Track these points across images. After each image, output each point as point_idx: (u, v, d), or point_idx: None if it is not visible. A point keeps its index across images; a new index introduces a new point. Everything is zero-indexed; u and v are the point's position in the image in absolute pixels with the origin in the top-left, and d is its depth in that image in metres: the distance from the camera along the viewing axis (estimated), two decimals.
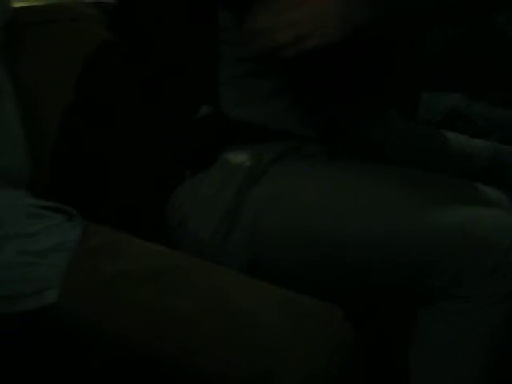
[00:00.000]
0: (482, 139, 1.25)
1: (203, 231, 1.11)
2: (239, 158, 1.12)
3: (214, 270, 1.00)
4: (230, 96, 1.15)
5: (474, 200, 1.07)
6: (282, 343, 0.87)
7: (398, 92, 1.30)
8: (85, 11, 1.49)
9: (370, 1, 0.97)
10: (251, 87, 1.15)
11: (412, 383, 1.06)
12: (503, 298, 0.99)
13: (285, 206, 1.10)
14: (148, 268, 0.95)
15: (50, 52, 1.36)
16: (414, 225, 1.02)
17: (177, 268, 0.95)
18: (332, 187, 1.08)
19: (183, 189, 1.14)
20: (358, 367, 1.02)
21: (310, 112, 1.17)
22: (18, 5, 1.36)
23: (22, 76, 1.24)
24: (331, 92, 1.16)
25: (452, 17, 1.06)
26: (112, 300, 0.90)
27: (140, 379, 0.90)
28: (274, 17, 0.96)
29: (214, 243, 1.10)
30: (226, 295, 0.93)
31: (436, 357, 1.04)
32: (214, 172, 1.13)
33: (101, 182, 1.22)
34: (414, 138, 1.21)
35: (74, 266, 0.95)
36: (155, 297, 0.91)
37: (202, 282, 0.94)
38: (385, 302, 1.10)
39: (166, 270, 0.95)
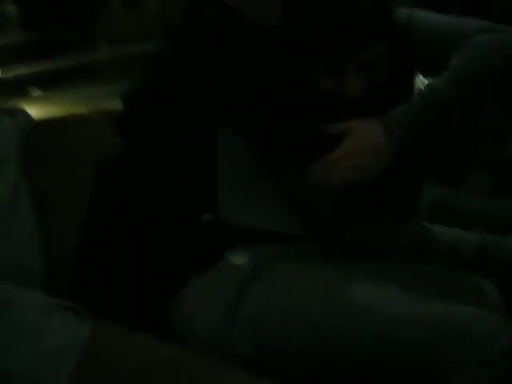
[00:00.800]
0: (469, 230, 1.31)
1: (208, 328, 1.17)
2: (240, 258, 1.21)
3: (216, 367, 1.06)
4: (229, 204, 1.24)
5: (460, 294, 1.14)
6: None
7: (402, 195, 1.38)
8: (98, 121, 1.59)
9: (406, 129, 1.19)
10: (248, 194, 1.25)
11: None
12: None
13: (284, 302, 1.17)
14: (154, 365, 1.01)
15: (66, 159, 1.45)
16: (401, 321, 1.09)
17: (182, 364, 1.01)
18: (327, 286, 1.17)
19: (188, 288, 1.21)
20: None
21: (310, 216, 1.28)
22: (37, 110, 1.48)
23: (40, 180, 1.34)
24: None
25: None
26: None
27: None
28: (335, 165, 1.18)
29: (218, 338, 1.16)
30: None
31: None
32: (217, 271, 1.20)
33: (111, 282, 1.29)
34: (404, 235, 1.28)
35: (82, 363, 1.00)
36: None
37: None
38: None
39: (171, 366, 1.00)
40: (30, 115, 1.45)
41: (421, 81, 1.78)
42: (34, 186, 1.33)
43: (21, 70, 3.41)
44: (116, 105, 1.82)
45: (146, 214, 1.31)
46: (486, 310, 1.10)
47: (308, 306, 1.15)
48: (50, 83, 2.83)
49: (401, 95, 1.30)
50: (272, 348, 1.16)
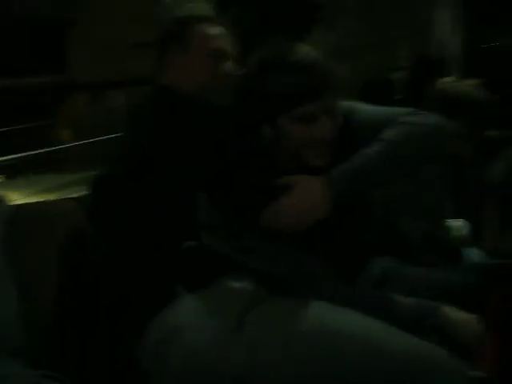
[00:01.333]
0: (410, 297, 1.42)
1: (200, 341, 1.27)
2: (239, 285, 1.35)
3: None
4: (209, 237, 1.40)
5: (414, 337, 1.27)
6: None
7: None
8: (69, 207, 1.68)
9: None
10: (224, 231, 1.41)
11: None
12: None
13: (278, 332, 1.28)
14: None
15: (43, 243, 1.53)
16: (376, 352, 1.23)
17: None
18: (310, 321, 1.29)
19: (175, 306, 1.34)
20: None
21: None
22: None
23: (19, 261, 1.43)
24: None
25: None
26: None
27: None
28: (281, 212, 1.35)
29: (209, 353, 1.26)
30: None
31: None
32: (213, 293, 1.34)
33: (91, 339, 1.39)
34: (355, 300, 1.41)
35: None
36: None
37: None
38: None
39: None
40: (6, 202, 1.56)
41: None
42: (14, 266, 1.42)
43: None
44: (79, 192, 1.95)
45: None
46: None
47: (294, 340, 1.26)
48: (14, 171, 2.94)
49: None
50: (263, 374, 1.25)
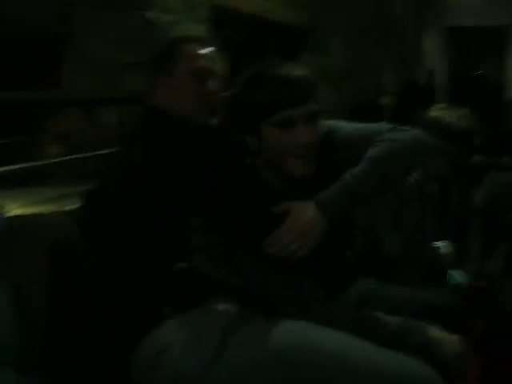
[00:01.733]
0: (393, 316, 1.46)
1: (185, 360, 1.32)
2: (224, 306, 1.39)
3: None
4: (201, 258, 1.46)
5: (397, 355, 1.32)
6: None
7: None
8: (61, 220, 1.72)
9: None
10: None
11: None
12: None
13: (258, 352, 1.32)
14: None
15: (33, 252, 1.56)
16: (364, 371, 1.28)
17: None
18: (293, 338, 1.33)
19: (164, 326, 1.38)
20: None
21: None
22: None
23: (12, 274, 1.46)
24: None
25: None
26: None
27: None
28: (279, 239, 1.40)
29: (194, 372, 1.30)
30: None
31: None
32: (199, 314, 1.40)
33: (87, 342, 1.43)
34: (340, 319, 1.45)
35: None
36: None
37: None
38: None
39: None
40: (2, 213, 1.59)
41: None
42: (7, 274, 1.45)
43: None
44: (69, 204, 1.97)
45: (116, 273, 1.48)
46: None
47: (274, 358, 1.30)
48: (4, 183, 2.94)
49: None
50: None
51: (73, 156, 3.02)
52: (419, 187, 2.11)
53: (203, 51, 1.70)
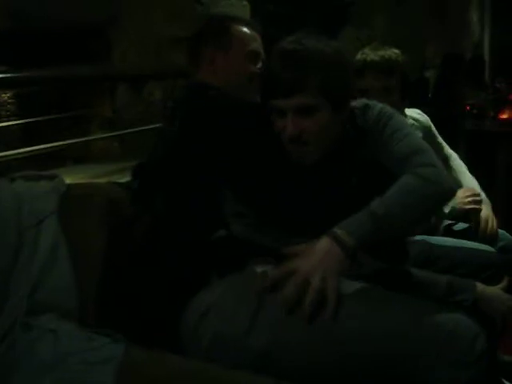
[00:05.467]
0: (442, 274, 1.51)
1: (227, 319, 1.38)
2: (262, 268, 1.44)
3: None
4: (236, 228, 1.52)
5: (439, 310, 1.33)
6: None
7: None
8: (115, 190, 1.83)
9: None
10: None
11: None
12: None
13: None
14: (181, 374, 1.23)
15: (90, 217, 1.67)
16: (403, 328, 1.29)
17: (206, 371, 1.24)
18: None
19: (208, 289, 1.45)
20: None
21: None
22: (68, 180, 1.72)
23: (75, 234, 1.56)
24: None
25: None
26: None
27: None
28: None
29: (233, 335, 1.36)
30: None
31: None
32: (239, 277, 1.45)
33: (138, 301, 1.52)
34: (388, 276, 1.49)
35: (120, 373, 1.22)
36: None
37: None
38: None
39: (197, 374, 1.24)
40: (63, 179, 1.69)
41: None
42: (66, 236, 1.55)
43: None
44: (118, 180, 2.07)
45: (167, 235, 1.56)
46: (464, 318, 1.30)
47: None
48: (53, 162, 3.07)
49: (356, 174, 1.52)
50: (281, 356, 1.33)
51: (122, 132, 3.13)
52: None
53: (253, 34, 1.80)
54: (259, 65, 1.79)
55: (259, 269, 1.45)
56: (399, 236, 1.59)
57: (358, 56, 2.11)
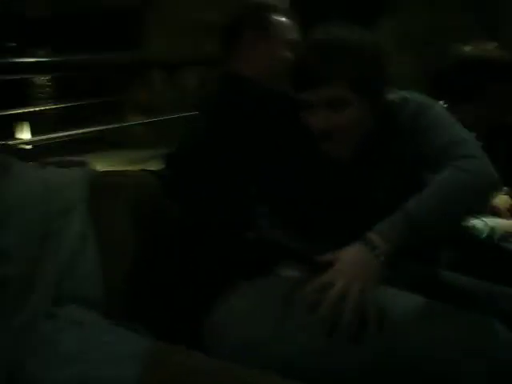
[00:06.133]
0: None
1: (251, 328, 1.35)
2: (287, 271, 1.41)
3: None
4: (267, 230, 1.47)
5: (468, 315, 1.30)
6: None
7: None
8: (146, 178, 1.78)
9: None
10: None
11: None
12: None
13: None
14: (208, 371, 1.21)
15: (120, 206, 1.65)
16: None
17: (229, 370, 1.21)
18: None
19: (234, 292, 1.41)
20: None
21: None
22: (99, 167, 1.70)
23: (104, 224, 1.54)
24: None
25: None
26: None
27: None
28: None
29: (259, 339, 1.33)
30: None
31: None
32: (266, 280, 1.41)
33: (166, 296, 1.50)
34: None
35: (147, 367, 1.20)
36: None
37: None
38: None
39: (222, 373, 1.22)
40: (94, 166, 1.67)
41: None
42: (94, 224, 1.52)
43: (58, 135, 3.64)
44: (154, 167, 2.05)
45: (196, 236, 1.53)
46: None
47: None
48: (89, 147, 3.07)
49: (391, 174, 1.46)
50: (307, 365, 1.29)
51: (155, 118, 3.12)
52: None
53: (291, 23, 1.77)
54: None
55: (286, 272, 1.42)
56: (439, 239, 1.53)
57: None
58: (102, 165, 1.85)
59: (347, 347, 1.26)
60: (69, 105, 3.27)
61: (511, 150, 1.46)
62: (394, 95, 1.51)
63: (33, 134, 3.79)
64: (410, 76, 4.14)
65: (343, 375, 1.28)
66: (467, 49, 2.08)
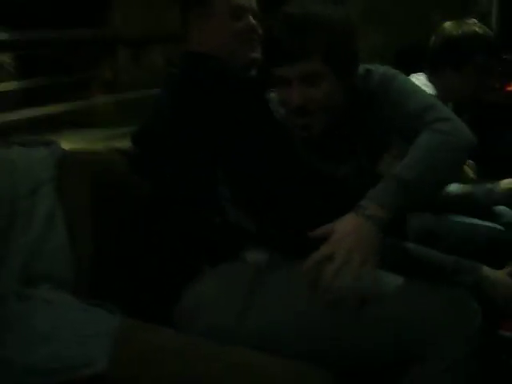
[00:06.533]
0: (447, 254, 1.47)
1: (218, 313, 1.37)
2: (252, 256, 1.42)
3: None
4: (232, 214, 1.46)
5: (442, 289, 1.35)
6: None
7: None
8: (114, 156, 1.78)
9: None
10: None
11: None
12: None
13: (285, 300, 1.35)
14: (179, 346, 1.23)
15: (86, 185, 1.63)
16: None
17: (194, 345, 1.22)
18: None
19: (201, 279, 1.42)
20: None
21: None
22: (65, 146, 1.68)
23: (66, 203, 1.53)
24: None
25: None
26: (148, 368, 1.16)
27: None
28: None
29: (225, 324, 1.36)
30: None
31: None
32: (231, 265, 1.42)
33: (129, 278, 1.50)
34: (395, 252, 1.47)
35: (117, 345, 1.20)
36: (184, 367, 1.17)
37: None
38: (371, 367, 1.35)
39: (192, 348, 1.24)
40: (60, 145, 1.65)
41: None
42: (62, 203, 1.52)
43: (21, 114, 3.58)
44: (121, 145, 2.03)
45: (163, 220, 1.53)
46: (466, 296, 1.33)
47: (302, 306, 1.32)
48: (55, 126, 3.03)
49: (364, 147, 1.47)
50: (272, 341, 1.33)
51: (120, 96, 3.08)
52: None
53: None
54: (248, 20, 1.66)
55: (251, 257, 1.43)
56: (428, 201, 1.52)
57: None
58: (68, 144, 1.82)
59: (324, 324, 1.30)
60: (31, 83, 3.21)
61: (472, 124, 1.50)
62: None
63: None
64: (376, 49, 4.17)
65: (316, 350, 1.31)
66: (447, 25, 2.10)
